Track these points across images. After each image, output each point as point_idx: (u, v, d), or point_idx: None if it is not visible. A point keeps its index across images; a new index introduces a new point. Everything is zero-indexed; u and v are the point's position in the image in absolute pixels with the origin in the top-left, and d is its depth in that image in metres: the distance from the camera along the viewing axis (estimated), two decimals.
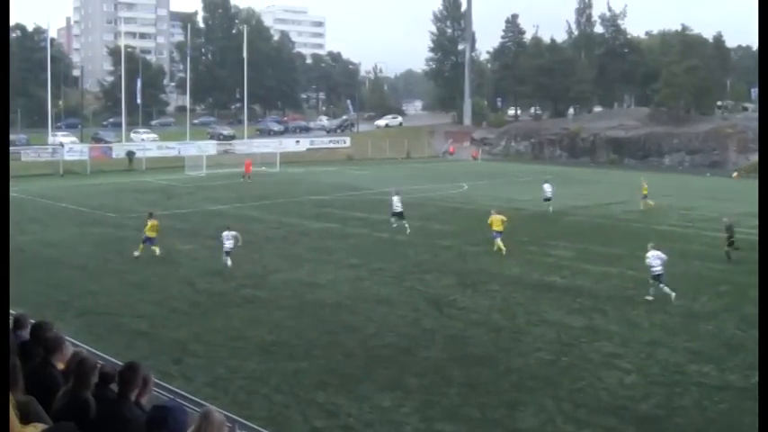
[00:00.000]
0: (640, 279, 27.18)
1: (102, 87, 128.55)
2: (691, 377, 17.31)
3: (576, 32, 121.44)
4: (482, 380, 16.98)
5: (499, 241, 31.89)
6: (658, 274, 24.34)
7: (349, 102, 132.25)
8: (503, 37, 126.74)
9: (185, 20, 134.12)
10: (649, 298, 24.29)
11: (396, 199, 37.78)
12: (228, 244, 28.85)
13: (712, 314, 22.89)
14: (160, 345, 19.11)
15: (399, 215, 37.51)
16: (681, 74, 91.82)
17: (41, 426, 5.78)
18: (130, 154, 75.64)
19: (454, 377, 17.03)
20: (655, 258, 24.45)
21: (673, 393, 16.36)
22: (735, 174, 73.92)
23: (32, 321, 8.47)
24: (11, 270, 25.00)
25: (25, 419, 5.75)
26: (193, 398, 12.48)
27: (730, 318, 22.32)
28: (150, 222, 30.49)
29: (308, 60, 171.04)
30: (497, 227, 32.14)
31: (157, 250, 30.14)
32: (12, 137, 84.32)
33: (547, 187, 44.79)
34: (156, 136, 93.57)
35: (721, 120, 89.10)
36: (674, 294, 23.95)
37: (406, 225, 36.74)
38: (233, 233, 29.22)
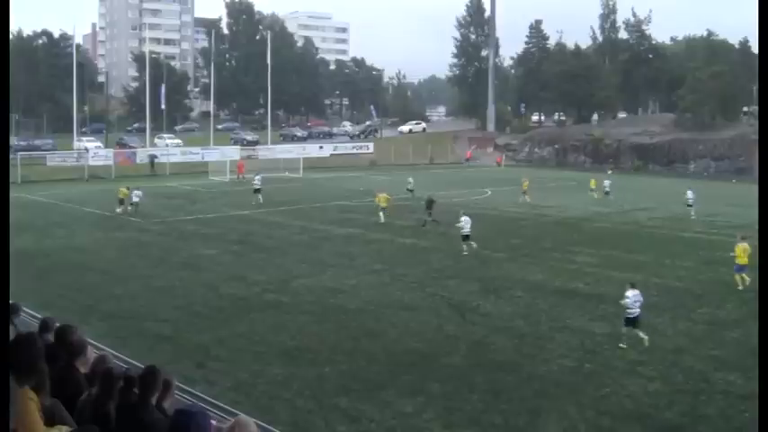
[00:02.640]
0: (666, 286, 27.06)
1: (127, 93, 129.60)
2: (716, 385, 17.14)
3: (600, 38, 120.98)
4: (505, 386, 16.90)
5: (382, 214, 41.24)
6: (467, 235, 33.27)
7: (372, 107, 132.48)
8: (526, 43, 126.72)
9: (209, 26, 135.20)
10: (465, 253, 32.67)
11: (257, 178, 50.66)
12: (136, 199, 43.80)
13: (738, 321, 22.64)
14: (183, 349, 19.17)
15: (258, 191, 49.67)
16: (706, 80, 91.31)
17: (66, 428, 5.82)
18: (152, 157, 76.12)
19: (477, 383, 16.97)
20: (466, 222, 33.34)
21: (697, 401, 16.22)
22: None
23: (57, 325, 8.52)
24: (37, 274, 25.17)
25: (50, 422, 5.79)
26: (216, 402, 12.50)
27: (756, 325, 22.05)
28: (121, 189, 44.46)
29: (332, 66, 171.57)
30: (383, 203, 41.52)
31: (119, 210, 43.47)
32: (38, 142, 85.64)
33: (410, 179, 54.82)
34: (180, 141, 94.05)
35: (747, 126, 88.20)
36: (475, 245, 33.07)
37: (260, 199, 48.94)
38: (140, 191, 44.83)
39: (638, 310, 20.38)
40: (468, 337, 20.64)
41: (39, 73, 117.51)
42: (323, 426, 14.70)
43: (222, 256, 32.22)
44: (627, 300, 20.41)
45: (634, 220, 44.64)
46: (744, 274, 26.78)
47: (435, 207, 40.22)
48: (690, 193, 47.08)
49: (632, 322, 20.29)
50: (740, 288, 26.52)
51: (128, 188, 44.54)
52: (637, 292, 20.60)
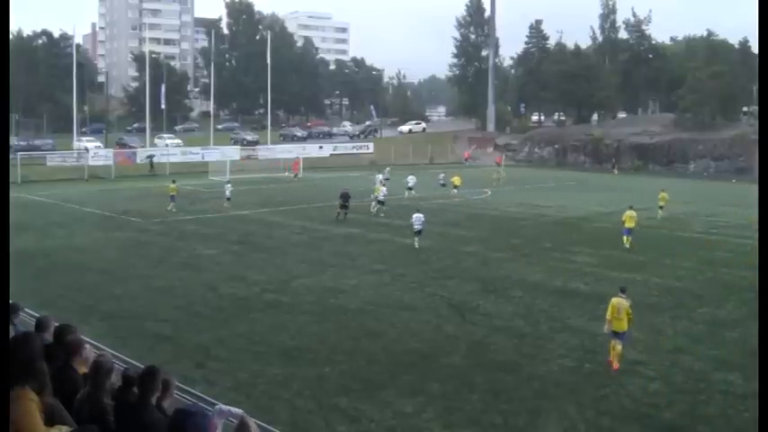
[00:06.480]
0: (666, 286, 27.08)
1: (127, 93, 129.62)
2: (716, 385, 17.14)
3: (600, 38, 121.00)
4: (504, 386, 16.90)
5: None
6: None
7: (372, 107, 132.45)
8: (526, 43, 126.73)
9: (209, 26, 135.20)
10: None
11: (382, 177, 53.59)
12: (228, 193, 48.22)
13: (738, 321, 22.65)
14: (183, 349, 19.15)
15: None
16: (706, 80, 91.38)
17: (66, 428, 5.82)
18: (150, 158, 76.02)
19: (477, 383, 16.96)
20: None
21: (697, 401, 16.21)
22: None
23: (55, 324, 8.52)
24: (37, 274, 25.09)
25: (49, 421, 5.79)
26: (216, 402, 12.48)
27: (756, 325, 22.02)
28: (171, 185, 45.91)
29: (332, 66, 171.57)
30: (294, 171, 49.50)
31: (173, 207, 44.56)
32: (38, 142, 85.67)
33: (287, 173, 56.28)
34: (180, 141, 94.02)
35: (747, 126, 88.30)
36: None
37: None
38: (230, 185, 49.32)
39: (420, 226, 33.72)
40: (468, 337, 20.63)
41: (39, 73, 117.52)
42: (323, 426, 14.69)
43: (222, 256, 32.20)
44: (412, 220, 34.00)
45: None
46: (628, 237, 34.63)
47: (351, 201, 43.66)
48: (410, 178, 56.08)
49: (417, 233, 33.73)
50: (625, 246, 34.31)
51: (174, 181, 47.59)
52: (421, 215, 34.15)
